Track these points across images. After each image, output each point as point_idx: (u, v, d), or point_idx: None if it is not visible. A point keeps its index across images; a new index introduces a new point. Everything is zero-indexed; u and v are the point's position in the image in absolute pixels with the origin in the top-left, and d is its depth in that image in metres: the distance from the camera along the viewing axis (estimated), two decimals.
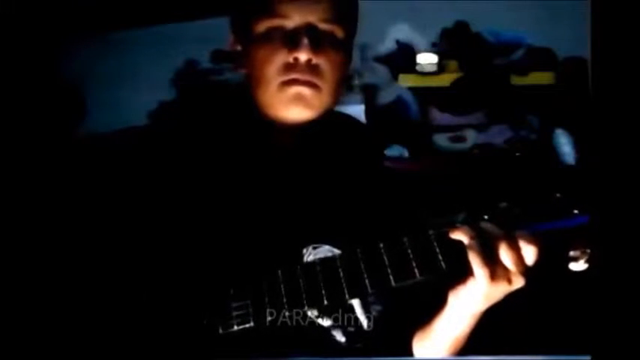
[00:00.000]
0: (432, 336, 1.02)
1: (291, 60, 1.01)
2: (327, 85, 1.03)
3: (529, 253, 0.91)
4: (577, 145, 2.21)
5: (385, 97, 2.46)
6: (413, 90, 2.51)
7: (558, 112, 2.38)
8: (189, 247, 0.99)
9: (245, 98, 1.09)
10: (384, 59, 2.61)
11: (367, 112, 2.32)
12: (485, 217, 0.94)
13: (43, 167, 1.08)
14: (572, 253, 0.92)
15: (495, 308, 0.96)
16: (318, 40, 1.01)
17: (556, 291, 1.58)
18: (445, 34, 2.75)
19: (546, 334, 1.62)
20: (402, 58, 2.64)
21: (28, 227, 0.99)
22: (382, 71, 2.55)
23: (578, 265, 0.92)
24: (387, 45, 2.67)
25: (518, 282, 0.92)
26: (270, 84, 1.02)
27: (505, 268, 0.91)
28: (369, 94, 2.44)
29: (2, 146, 1.21)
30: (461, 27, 2.73)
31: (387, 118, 2.40)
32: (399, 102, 2.45)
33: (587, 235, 0.90)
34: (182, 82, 2.61)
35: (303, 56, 1.01)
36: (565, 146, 2.23)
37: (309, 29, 1.01)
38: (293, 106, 1.02)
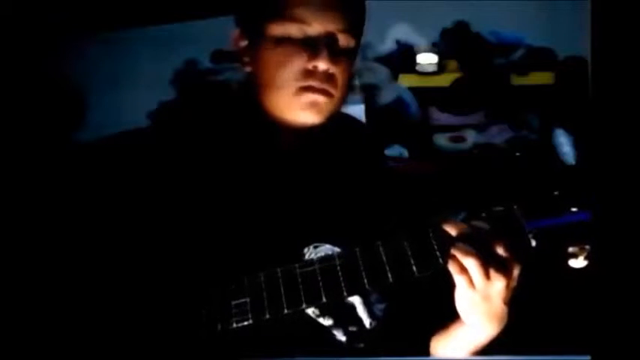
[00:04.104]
0: (451, 341, 1.02)
1: (309, 67, 1.02)
2: (338, 93, 1.05)
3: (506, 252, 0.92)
4: (577, 145, 2.21)
5: (385, 97, 2.45)
6: (413, 90, 2.51)
7: (558, 112, 2.38)
8: (191, 245, 1.00)
9: (246, 98, 1.09)
10: (384, 59, 2.61)
11: (367, 112, 2.32)
12: (483, 214, 0.95)
13: (44, 169, 1.08)
14: (571, 250, 0.92)
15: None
16: (335, 50, 1.02)
17: (555, 290, 1.58)
18: (445, 34, 2.75)
19: (546, 334, 1.62)
20: (402, 58, 2.64)
21: (29, 229, 0.99)
22: (382, 71, 2.54)
23: (578, 262, 0.92)
24: (387, 45, 2.67)
25: (498, 280, 0.92)
26: (285, 89, 1.03)
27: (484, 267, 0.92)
28: (369, 94, 2.43)
29: (2, 148, 1.21)
30: (461, 27, 2.72)
31: (387, 118, 2.40)
32: (399, 102, 2.45)
33: (587, 231, 0.90)
34: (182, 82, 2.61)
35: (322, 65, 1.02)
36: (565, 146, 2.22)
37: (328, 38, 1.02)
38: (306, 112, 1.03)
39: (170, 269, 0.98)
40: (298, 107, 1.03)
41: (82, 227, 1.00)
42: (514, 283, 0.95)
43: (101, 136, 1.14)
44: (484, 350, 0.98)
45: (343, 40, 1.04)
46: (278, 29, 1.02)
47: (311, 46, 1.02)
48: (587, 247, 0.91)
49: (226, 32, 1.12)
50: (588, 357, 0.81)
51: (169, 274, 0.98)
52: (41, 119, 2.12)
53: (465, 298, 0.94)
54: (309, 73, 1.02)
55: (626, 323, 0.79)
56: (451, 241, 0.93)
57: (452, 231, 0.94)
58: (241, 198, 1.04)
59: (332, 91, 1.04)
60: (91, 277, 0.97)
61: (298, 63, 1.02)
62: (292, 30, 1.02)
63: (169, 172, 1.04)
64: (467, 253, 0.92)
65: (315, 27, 1.02)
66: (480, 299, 0.94)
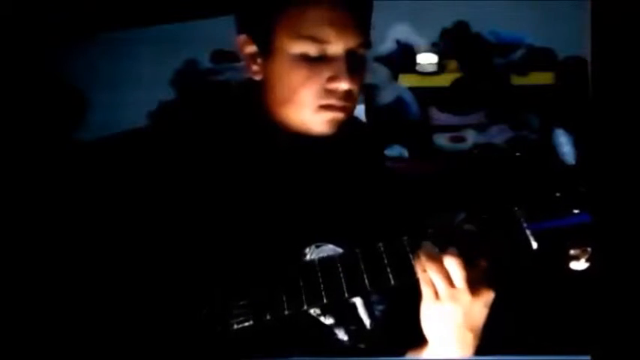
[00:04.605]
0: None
1: (330, 87, 1.01)
2: (354, 105, 1.05)
3: (462, 272, 0.91)
4: (577, 145, 2.21)
5: (385, 97, 2.45)
6: (413, 90, 2.51)
7: (558, 112, 2.38)
8: (192, 246, 1.00)
9: (246, 98, 1.09)
10: (384, 59, 2.61)
11: (367, 112, 2.32)
12: (485, 216, 0.94)
13: (44, 169, 1.08)
14: (572, 252, 0.92)
15: (496, 308, 0.96)
16: (355, 67, 1.02)
17: (556, 291, 1.58)
18: (445, 34, 2.75)
19: (546, 334, 1.62)
20: (402, 58, 2.64)
21: (30, 229, 0.99)
22: (382, 71, 2.55)
23: (579, 264, 0.92)
24: (387, 45, 2.67)
25: (465, 301, 0.92)
26: (304, 107, 1.02)
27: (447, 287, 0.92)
28: (369, 94, 2.44)
29: (2, 148, 1.21)
30: (461, 27, 2.73)
31: (387, 118, 2.40)
32: (399, 102, 2.45)
33: (588, 233, 0.90)
34: (182, 82, 2.61)
35: (343, 86, 1.01)
36: (565, 146, 2.23)
37: (349, 57, 1.01)
38: (324, 127, 1.03)
39: (171, 269, 0.98)
40: (316, 123, 1.03)
41: (83, 227, 1.00)
42: (483, 310, 0.94)
43: (101, 136, 1.14)
44: (484, 350, 0.98)
45: (362, 53, 1.03)
46: (297, 47, 1.00)
47: (332, 66, 1.01)
48: (589, 249, 0.91)
49: (226, 32, 1.11)
50: (588, 357, 0.82)
51: (170, 275, 0.98)
52: (42, 119, 2.12)
53: (428, 310, 0.94)
54: (330, 92, 1.02)
55: (626, 323, 0.79)
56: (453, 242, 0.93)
57: (444, 237, 0.93)
58: (242, 198, 1.04)
59: (350, 106, 1.04)
60: (91, 277, 0.97)
61: (318, 82, 1.01)
62: (310, 49, 1.00)
63: (170, 172, 1.04)
64: (437, 266, 0.91)
65: (336, 45, 1.00)
66: (443, 315, 0.93)
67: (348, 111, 1.05)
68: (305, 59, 1.01)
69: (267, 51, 1.03)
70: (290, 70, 1.01)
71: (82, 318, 0.95)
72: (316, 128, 1.03)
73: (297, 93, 1.02)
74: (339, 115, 1.03)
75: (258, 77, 1.06)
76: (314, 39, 1.00)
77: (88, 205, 1.02)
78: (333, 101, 1.02)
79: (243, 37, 1.06)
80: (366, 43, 1.03)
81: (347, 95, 1.02)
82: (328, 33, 1.00)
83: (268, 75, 1.04)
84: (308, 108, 1.02)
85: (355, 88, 1.03)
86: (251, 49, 1.05)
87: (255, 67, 1.05)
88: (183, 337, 0.95)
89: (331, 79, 1.01)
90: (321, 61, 1.01)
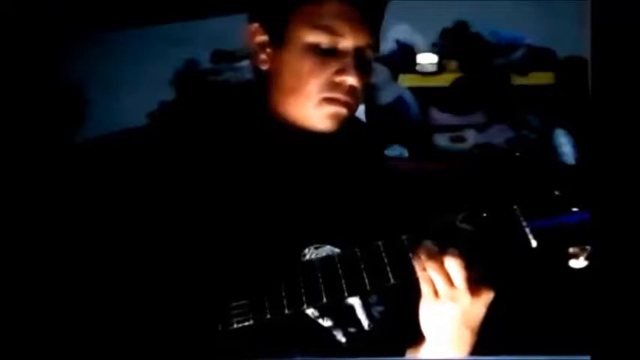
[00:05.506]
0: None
1: (336, 80, 1.03)
2: (357, 104, 1.06)
3: (462, 271, 0.91)
4: (577, 145, 2.21)
5: (385, 97, 2.45)
6: (413, 90, 2.51)
7: (558, 112, 2.38)
8: (191, 246, 1.00)
9: (247, 97, 1.09)
10: (384, 59, 2.61)
11: (367, 112, 2.32)
12: (484, 214, 0.94)
13: (43, 169, 1.08)
14: (571, 250, 0.92)
15: (495, 307, 0.96)
16: (362, 65, 1.03)
17: (556, 291, 1.58)
18: (445, 34, 2.75)
19: (546, 334, 1.62)
20: (402, 58, 2.64)
21: (30, 229, 1.00)
22: (382, 71, 2.54)
23: (579, 263, 0.92)
24: (387, 45, 2.67)
25: (464, 300, 0.92)
26: (309, 98, 1.03)
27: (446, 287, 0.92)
28: (369, 94, 2.43)
29: (1, 148, 1.21)
30: (461, 27, 2.73)
31: (387, 118, 2.40)
32: (399, 102, 2.45)
33: (587, 232, 0.90)
34: (182, 82, 2.61)
35: (349, 80, 1.02)
36: (565, 146, 2.22)
37: (358, 54, 1.03)
38: (326, 121, 1.04)
39: (170, 269, 0.98)
40: (319, 117, 1.04)
41: (83, 227, 1.01)
42: (482, 309, 0.94)
43: (100, 135, 1.14)
44: (484, 350, 0.98)
45: (369, 55, 1.05)
46: (311, 37, 1.02)
47: (340, 59, 1.02)
48: (588, 247, 0.91)
49: (226, 32, 1.11)
50: (588, 357, 0.81)
51: (170, 274, 0.98)
52: (41, 119, 2.12)
53: (427, 309, 0.95)
54: (335, 86, 1.03)
55: (626, 323, 0.79)
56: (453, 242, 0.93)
57: (444, 235, 0.93)
58: (242, 198, 1.04)
59: (353, 103, 1.05)
60: (91, 277, 0.97)
61: (325, 74, 1.02)
62: (323, 40, 1.02)
63: (169, 171, 1.04)
64: (437, 265, 0.91)
65: (348, 40, 1.02)
66: (442, 314, 0.94)
67: (350, 108, 1.05)
68: (316, 50, 1.02)
69: (279, 40, 1.04)
70: (300, 59, 1.03)
71: (82, 318, 0.95)
72: (318, 123, 1.04)
73: (305, 82, 1.03)
74: (341, 111, 1.04)
75: (264, 67, 1.06)
76: (329, 30, 1.01)
77: (88, 205, 1.02)
78: (337, 94, 1.03)
79: (255, 26, 1.07)
80: (375, 46, 1.05)
81: (351, 91, 1.04)
82: (343, 27, 1.01)
83: (277, 64, 1.05)
84: (312, 100, 1.03)
85: (360, 86, 1.04)
86: (262, 38, 1.06)
87: (263, 57, 1.07)
88: (183, 336, 0.95)
89: (339, 72, 1.02)
90: (330, 54, 1.02)
